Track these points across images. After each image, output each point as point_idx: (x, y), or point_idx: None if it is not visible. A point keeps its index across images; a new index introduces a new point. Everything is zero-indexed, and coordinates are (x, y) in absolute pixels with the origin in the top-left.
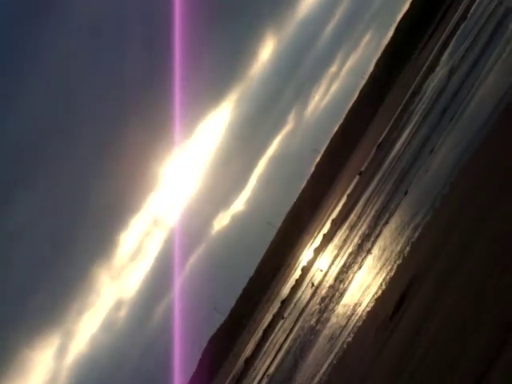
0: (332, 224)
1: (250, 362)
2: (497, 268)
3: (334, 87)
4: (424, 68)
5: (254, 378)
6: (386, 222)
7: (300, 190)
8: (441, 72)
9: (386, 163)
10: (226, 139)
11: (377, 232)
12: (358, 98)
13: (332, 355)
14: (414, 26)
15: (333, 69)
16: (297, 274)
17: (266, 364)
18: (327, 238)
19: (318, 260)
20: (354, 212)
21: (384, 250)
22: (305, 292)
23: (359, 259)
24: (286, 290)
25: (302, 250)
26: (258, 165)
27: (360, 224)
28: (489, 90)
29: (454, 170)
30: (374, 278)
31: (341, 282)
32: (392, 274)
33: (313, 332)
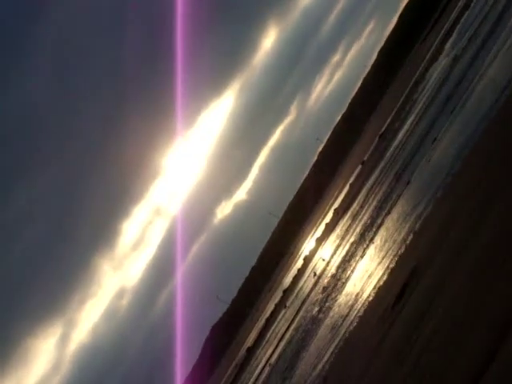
0: (334, 213)
1: (252, 350)
2: (499, 258)
3: (337, 76)
4: (427, 57)
5: (257, 367)
6: (388, 212)
7: (302, 180)
8: (444, 61)
9: (389, 153)
10: (228, 129)
11: (379, 222)
12: (360, 87)
13: (334, 344)
14: (417, 15)
15: (336, 58)
16: (299, 263)
17: (268, 353)
18: (329, 228)
19: (320, 249)
20: (357, 202)
21: (386, 239)
22: (307, 281)
23: (361, 249)
24: (288, 280)
25: (304, 240)
26: (260, 154)
27: (362, 214)
28: (492, 79)
29: (456, 160)
30: (375, 268)
31: (343, 271)
32: (394, 263)
33: (315, 321)
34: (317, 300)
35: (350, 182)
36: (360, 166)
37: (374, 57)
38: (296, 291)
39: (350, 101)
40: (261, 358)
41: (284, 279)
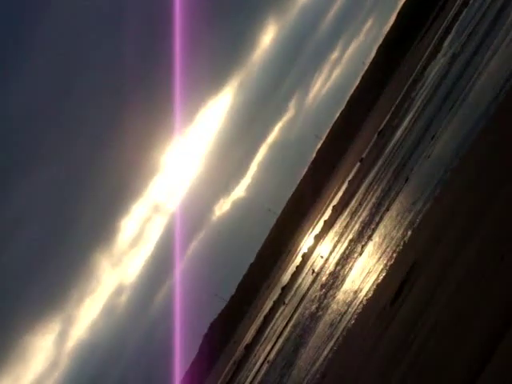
0: (333, 211)
1: (250, 348)
2: (497, 254)
3: (336, 73)
4: (425, 54)
5: (255, 364)
6: (387, 209)
7: (301, 177)
8: (442, 59)
9: (387, 150)
10: (226, 126)
11: (377, 219)
12: (359, 84)
13: (332, 342)
14: (416, 12)
15: (334, 55)
16: (297, 260)
17: (267, 350)
18: (328, 225)
19: (318, 247)
20: (355, 199)
21: (385, 236)
22: (305, 279)
23: (360, 246)
24: (286, 277)
25: (303, 237)
26: (258, 151)
27: (361, 211)
28: (490, 76)
29: (455, 157)
30: (374, 265)
31: (341, 268)
32: (393, 260)
33: (313, 318)
34: (315, 297)
35: (349, 179)
36: (359, 163)
37: (373, 54)
38: (294, 288)
39: (348, 98)
40: (259, 354)
41: (282, 276)
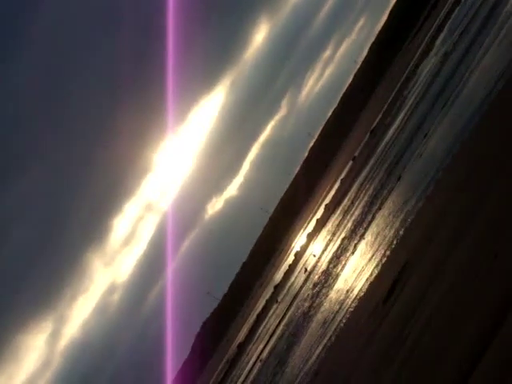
0: (325, 209)
1: (243, 346)
2: (490, 253)
3: (328, 72)
4: (418, 53)
5: (248, 363)
6: (380, 208)
7: (293, 175)
8: (434, 57)
9: (380, 148)
10: (219, 124)
11: (370, 217)
12: (351, 82)
13: (325, 340)
14: (408, 11)
15: (326, 54)
16: (290, 259)
17: (259, 349)
18: (320, 224)
19: (311, 245)
20: (348, 197)
21: (377, 235)
22: (298, 277)
23: (352, 244)
24: (279, 275)
25: (295, 235)
26: (251, 150)
27: (353, 209)
28: (482, 75)
29: (447, 156)
30: (367, 264)
31: (334, 267)
32: (385, 259)
33: (306, 317)
34: (308, 296)
35: (341, 177)
36: (351, 162)
37: (365, 53)
38: (287, 287)
39: (340, 96)
40: (252, 353)
41: (275, 275)
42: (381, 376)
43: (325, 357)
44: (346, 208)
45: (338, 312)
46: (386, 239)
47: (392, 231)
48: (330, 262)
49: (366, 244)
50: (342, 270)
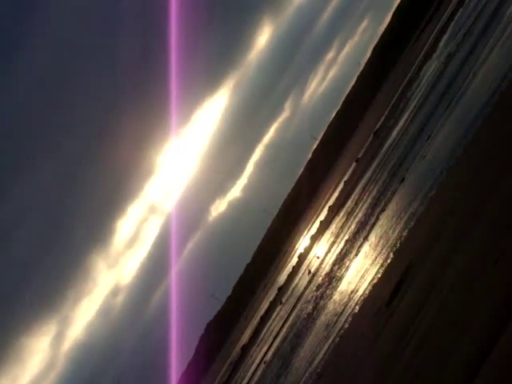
0: (329, 211)
1: (247, 348)
2: (494, 253)
3: (331, 74)
4: (421, 55)
5: (251, 364)
6: (383, 209)
7: (297, 177)
8: (438, 59)
9: (383, 150)
10: (222, 126)
11: (373, 219)
12: (354, 84)
13: (329, 342)
14: (411, 13)
15: (330, 55)
16: (294, 261)
17: (263, 351)
18: (324, 225)
19: (314, 247)
20: (351, 199)
21: (381, 236)
22: (302, 279)
23: (356, 246)
24: (282, 277)
25: (299, 237)
26: (254, 152)
27: (357, 211)
28: (485, 76)
29: (450, 157)
30: (370, 265)
31: (338, 269)
32: (389, 260)
33: (309, 319)
34: (311, 298)
35: (345, 179)
36: (354, 164)
37: (368, 54)
38: (291, 289)
39: (344, 98)
40: (256, 355)
41: (279, 277)
42: (385, 378)
43: (329, 359)
44: (349, 210)
45: (341, 314)
46: (390, 241)
47: (395, 233)
48: (333, 264)
49: (370, 246)
50: (345, 271)
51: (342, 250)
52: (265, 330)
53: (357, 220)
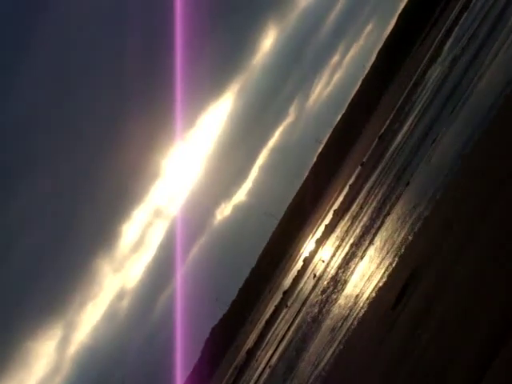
0: (334, 215)
1: (252, 352)
2: (498, 259)
3: (336, 78)
4: (426, 58)
5: (257, 369)
6: (388, 213)
7: (302, 181)
8: (443, 62)
9: (388, 154)
10: (227, 130)
11: (379, 223)
12: (359, 88)
13: (334, 346)
14: (416, 16)
15: (335, 59)
16: (299, 264)
17: (268, 355)
18: (329, 229)
19: (319, 251)
20: (356, 203)
21: (386, 240)
22: (307, 283)
23: (361, 250)
24: (287, 281)
25: (304, 241)
26: (259, 156)
27: (362, 215)
28: (491, 80)
29: (456, 161)
30: (375, 269)
31: (343, 272)
32: (394, 264)
33: (315, 323)
34: (317, 301)
35: (350, 183)
36: (359, 167)
37: (373, 58)
38: (296, 293)
39: (349, 102)
40: (261, 359)
41: (284, 281)
42: (391, 381)
43: (334, 363)
44: (354, 214)
45: (347, 318)
46: (395, 245)
47: (401, 237)
48: (338, 268)
49: (375, 250)
50: (350, 275)
51: (347, 253)
52: (270, 333)
53: (362, 224)
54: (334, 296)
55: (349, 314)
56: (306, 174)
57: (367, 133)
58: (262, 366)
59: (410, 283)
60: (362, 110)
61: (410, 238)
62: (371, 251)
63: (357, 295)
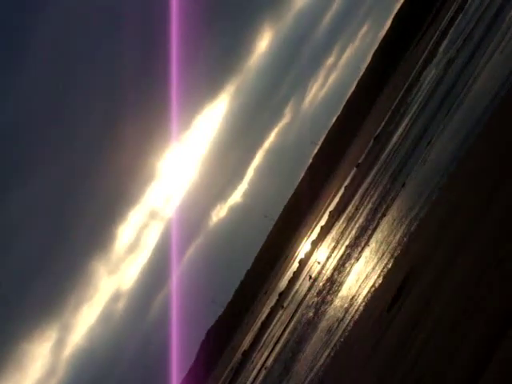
0: (329, 216)
1: (247, 354)
2: (495, 259)
3: (332, 79)
4: (421, 60)
5: (252, 370)
6: (384, 214)
7: (298, 182)
8: (438, 64)
9: (384, 155)
10: (223, 131)
11: (374, 224)
12: (355, 89)
13: (329, 348)
14: (412, 18)
15: (330, 60)
16: (294, 266)
17: (264, 356)
18: (325, 231)
19: (315, 252)
20: (352, 204)
21: (381, 242)
22: (302, 284)
23: (357, 251)
24: (283, 283)
25: (300, 243)
26: (255, 157)
27: (357, 216)
28: (486, 81)
29: (451, 162)
30: (371, 271)
31: (338, 274)
32: (389, 266)
33: (310, 324)
34: (312, 303)
35: (345, 184)
36: (355, 169)
37: (369, 59)
38: (291, 294)
39: (344, 103)
40: (257, 361)
41: (279, 282)
42: (386, 383)
43: (329, 365)
44: (350, 215)
45: (342, 319)
46: (391, 246)
47: (396, 238)
48: (334, 270)
49: (371, 251)
50: (346, 277)
51: (342, 255)
52: (266, 335)
53: (357, 225)
54: (330, 297)
55: (344, 316)
56: (302, 175)
57: (363, 134)
58: (258, 367)
59: (405, 284)
60: (358, 112)
61: (406, 239)
62: (367, 252)
63: (352, 297)
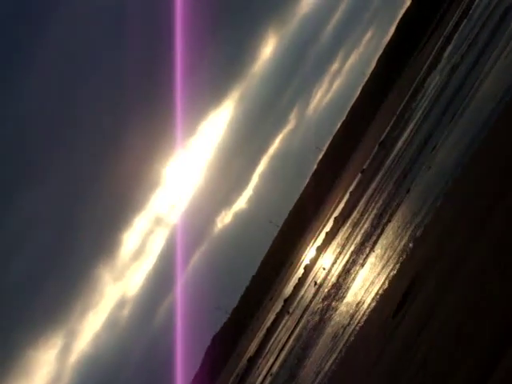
0: (335, 222)
1: (253, 360)
2: (499, 265)
3: (336, 85)
4: (426, 65)
5: (258, 377)
6: (389, 220)
7: (302, 188)
8: (443, 69)
9: (388, 161)
10: (228, 138)
11: (379, 230)
12: (359, 95)
13: (335, 354)
14: (416, 23)
15: (334, 66)
16: (299, 272)
17: (270, 363)
18: (330, 237)
19: (320, 258)
20: (357, 210)
21: (386, 248)
22: (308, 290)
23: (362, 257)
24: (288, 289)
25: (305, 249)
26: (260, 163)
27: (363, 222)
28: (491, 87)
29: (456, 168)
30: (376, 277)
31: (344, 280)
32: (394, 272)
33: (316, 331)
34: (318, 309)
35: (350, 190)
36: (360, 174)
37: (373, 65)
38: (297, 300)
39: (349, 109)
40: (262, 367)
41: (285, 288)
42: None
43: (335, 371)
44: (355, 221)
45: (348, 325)
46: (396, 252)
47: (401, 244)
48: (339, 275)
49: (376, 257)
50: (351, 283)
51: (347, 261)
52: (271, 341)
53: (362, 231)
54: (335, 303)
55: (350, 322)
56: (307, 181)
57: (367, 140)
58: (264, 373)
59: (411, 291)
60: (362, 117)
61: (411, 245)
62: (372, 258)
63: (358, 303)
